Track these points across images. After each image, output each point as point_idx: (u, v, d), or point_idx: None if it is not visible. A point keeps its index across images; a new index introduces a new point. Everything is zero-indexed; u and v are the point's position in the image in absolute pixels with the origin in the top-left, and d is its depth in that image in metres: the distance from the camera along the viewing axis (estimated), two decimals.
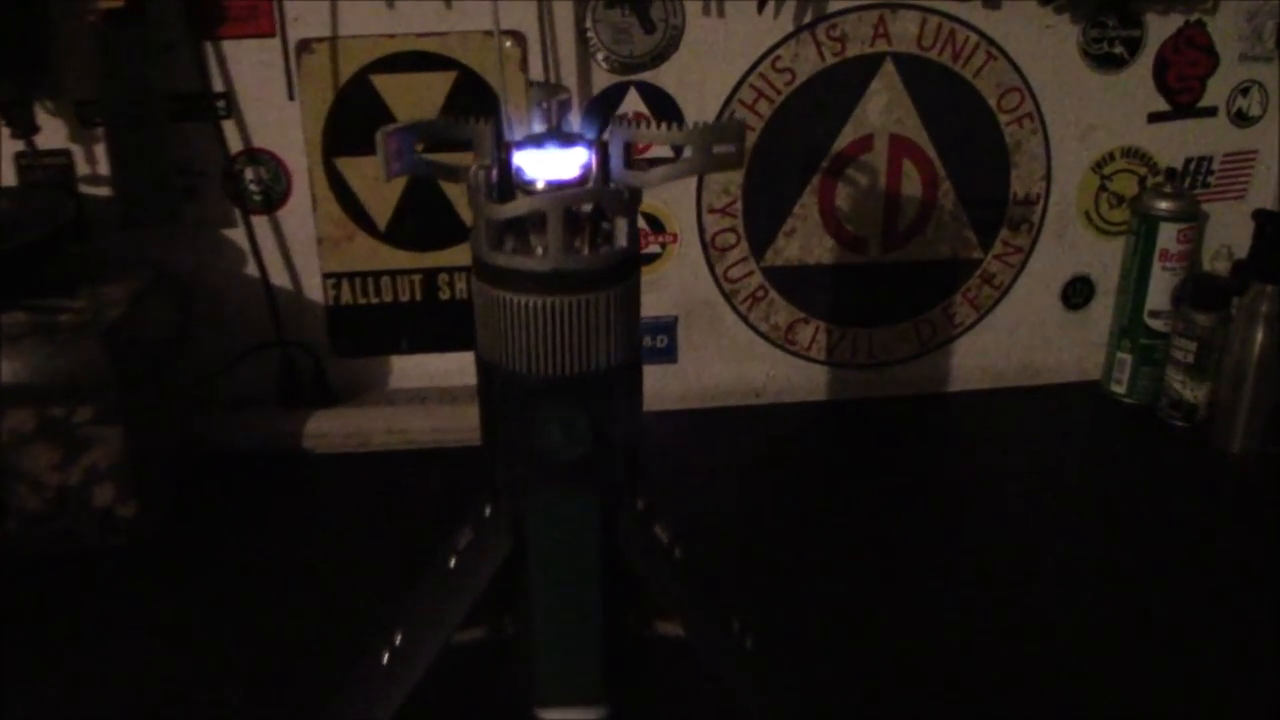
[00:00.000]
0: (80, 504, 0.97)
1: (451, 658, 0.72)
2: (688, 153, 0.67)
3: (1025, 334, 1.29)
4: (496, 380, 0.68)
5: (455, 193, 1.14)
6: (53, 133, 1.08)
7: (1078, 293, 1.29)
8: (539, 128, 0.70)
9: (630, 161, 0.67)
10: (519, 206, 0.65)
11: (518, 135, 0.70)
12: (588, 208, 0.68)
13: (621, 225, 0.67)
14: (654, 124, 0.66)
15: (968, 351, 1.29)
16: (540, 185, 0.67)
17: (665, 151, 1.08)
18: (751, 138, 1.17)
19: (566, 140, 0.68)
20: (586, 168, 0.68)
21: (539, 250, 0.66)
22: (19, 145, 1.07)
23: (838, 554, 1.00)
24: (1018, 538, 1.04)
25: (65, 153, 1.09)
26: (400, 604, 0.73)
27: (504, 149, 0.67)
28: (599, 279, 0.66)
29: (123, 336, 0.96)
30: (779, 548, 1.01)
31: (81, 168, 1.10)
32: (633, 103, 1.14)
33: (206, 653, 0.88)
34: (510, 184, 0.67)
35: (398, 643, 0.71)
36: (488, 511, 0.73)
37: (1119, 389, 1.27)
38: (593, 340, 0.66)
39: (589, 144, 0.68)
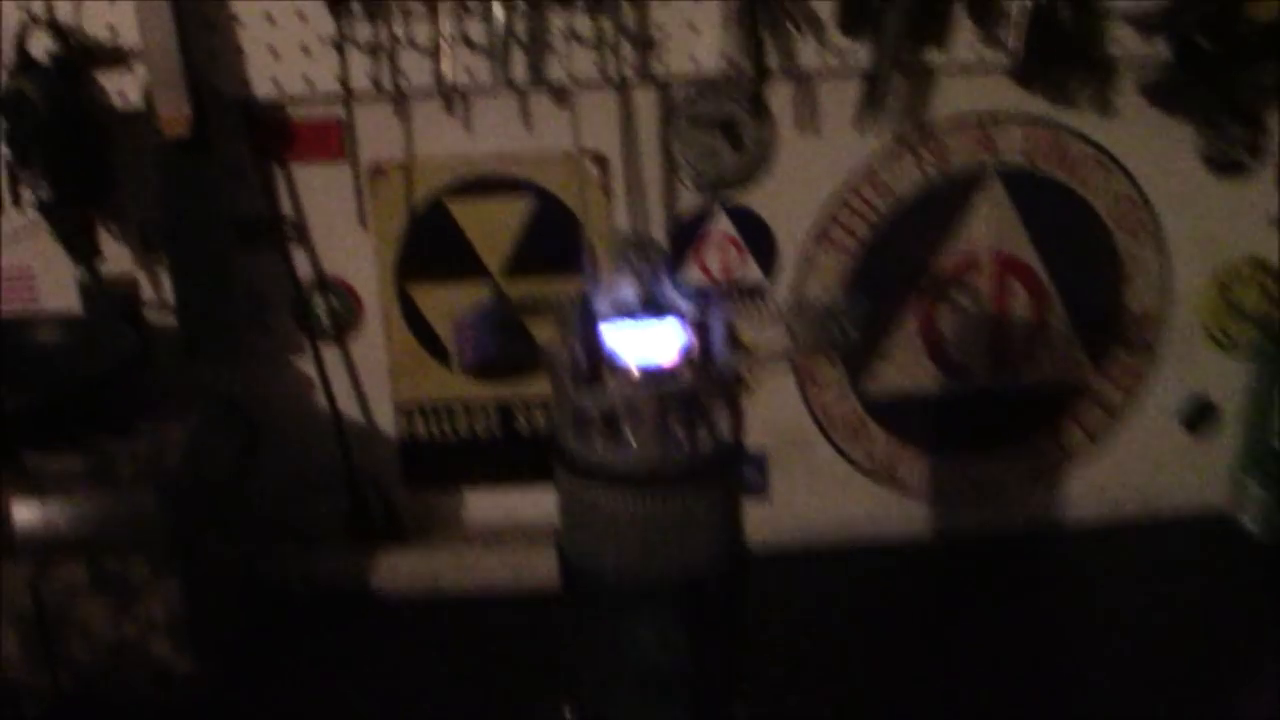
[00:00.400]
0: (135, 658, 0.91)
1: None
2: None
3: (1144, 462, 1.20)
4: (582, 583, 0.61)
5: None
6: (118, 258, 1.04)
7: (1201, 417, 1.19)
8: (629, 292, 0.63)
9: (732, 342, 0.60)
10: (610, 397, 0.58)
11: (603, 291, 0.63)
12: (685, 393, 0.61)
13: (724, 413, 0.60)
14: (760, 302, 0.59)
15: (1081, 483, 1.20)
16: (633, 368, 0.60)
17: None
18: (848, 260, 1.09)
19: (661, 314, 0.61)
20: (685, 349, 0.61)
21: (630, 439, 0.59)
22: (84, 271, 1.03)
23: (946, 710, 0.93)
24: (1140, 692, 0.95)
25: (130, 279, 1.05)
26: None
27: (592, 325, 0.61)
28: (699, 476, 0.59)
29: (181, 484, 0.91)
30: (879, 703, 0.94)
31: (147, 292, 1.06)
32: (720, 225, 1.07)
33: None
34: (600, 365, 0.61)
35: None
36: (567, 716, 0.65)
37: (1251, 526, 1.16)
38: (691, 545, 0.59)
39: (686, 321, 0.61)
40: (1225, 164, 1.11)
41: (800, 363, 1.04)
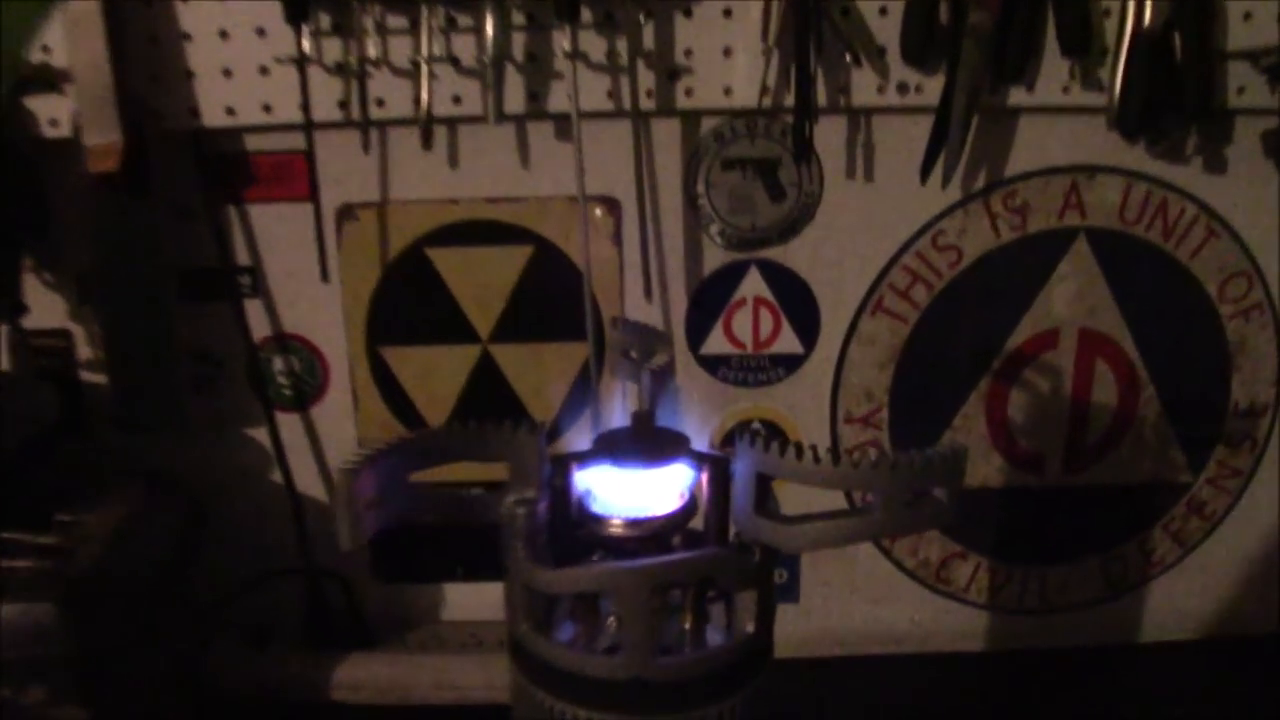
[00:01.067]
0: None
1: None
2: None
3: (1240, 576, 1.02)
4: None
5: (523, 385, 0.92)
6: (51, 309, 0.89)
7: None
8: (621, 412, 0.47)
9: (766, 503, 0.43)
10: (581, 580, 0.42)
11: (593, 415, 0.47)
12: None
13: (748, 601, 0.43)
14: (814, 453, 0.42)
15: (1167, 596, 1.02)
16: (618, 525, 0.44)
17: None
18: (903, 331, 0.93)
19: (661, 454, 0.44)
20: (690, 495, 0.44)
21: (609, 625, 0.43)
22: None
23: None
24: None
25: (63, 333, 0.90)
26: None
27: (562, 472, 0.44)
28: (709, 689, 0.42)
29: (94, 591, 0.75)
30: None
31: (83, 352, 0.91)
32: (754, 286, 0.91)
33: None
34: (570, 527, 0.44)
35: None
36: None
37: None
38: None
39: (697, 461, 0.44)
40: None
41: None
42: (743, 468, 0.42)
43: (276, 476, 0.94)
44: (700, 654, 0.42)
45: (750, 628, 0.43)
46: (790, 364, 0.94)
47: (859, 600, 1.01)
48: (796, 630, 1.00)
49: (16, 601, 0.73)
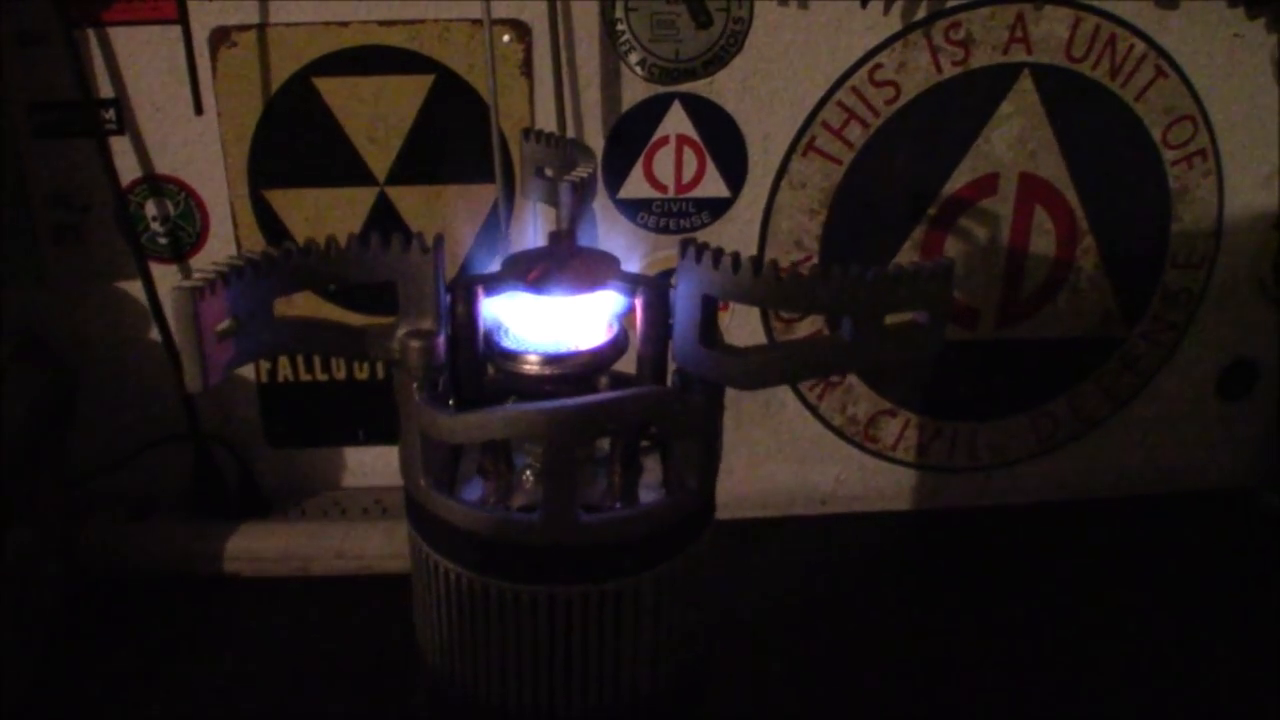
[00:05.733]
0: None
1: None
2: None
3: (1171, 431, 1.01)
4: (449, 708, 0.39)
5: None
6: None
7: (1238, 380, 1.00)
8: (539, 233, 0.40)
9: (710, 333, 0.37)
10: (488, 425, 0.35)
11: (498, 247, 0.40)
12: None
13: (690, 452, 0.37)
14: (774, 267, 0.35)
15: (1099, 452, 1.01)
16: (534, 361, 0.37)
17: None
18: (836, 173, 0.87)
19: (587, 277, 0.37)
20: (619, 331, 0.38)
21: (526, 480, 0.37)
22: None
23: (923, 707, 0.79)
24: (1148, 682, 0.81)
25: None
26: None
27: (465, 297, 0.37)
28: (641, 552, 0.36)
29: None
30: (845, 697, 0.79)
31: None
32: (676, 123, 0.84)
33: None
34: (475, 363, 0.38)
35: None
36: None
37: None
38: (625, 657, 0.36)
39: (630, 286, 0.38)
40: None
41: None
42: (685, 291, 0.36)
43: (155, 335, 0.86)
44: (631, 513, 0.36)
45: (693, 483, 0.37)
46: (716, 208, 0.88)
47: (783, 460, 0.97)
48: (721, 490, 0.96)
49: None
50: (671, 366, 0.37)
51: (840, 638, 0.86)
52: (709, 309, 0.36)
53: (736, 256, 0.35)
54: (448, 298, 0.37)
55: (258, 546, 0.88)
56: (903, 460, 0.99)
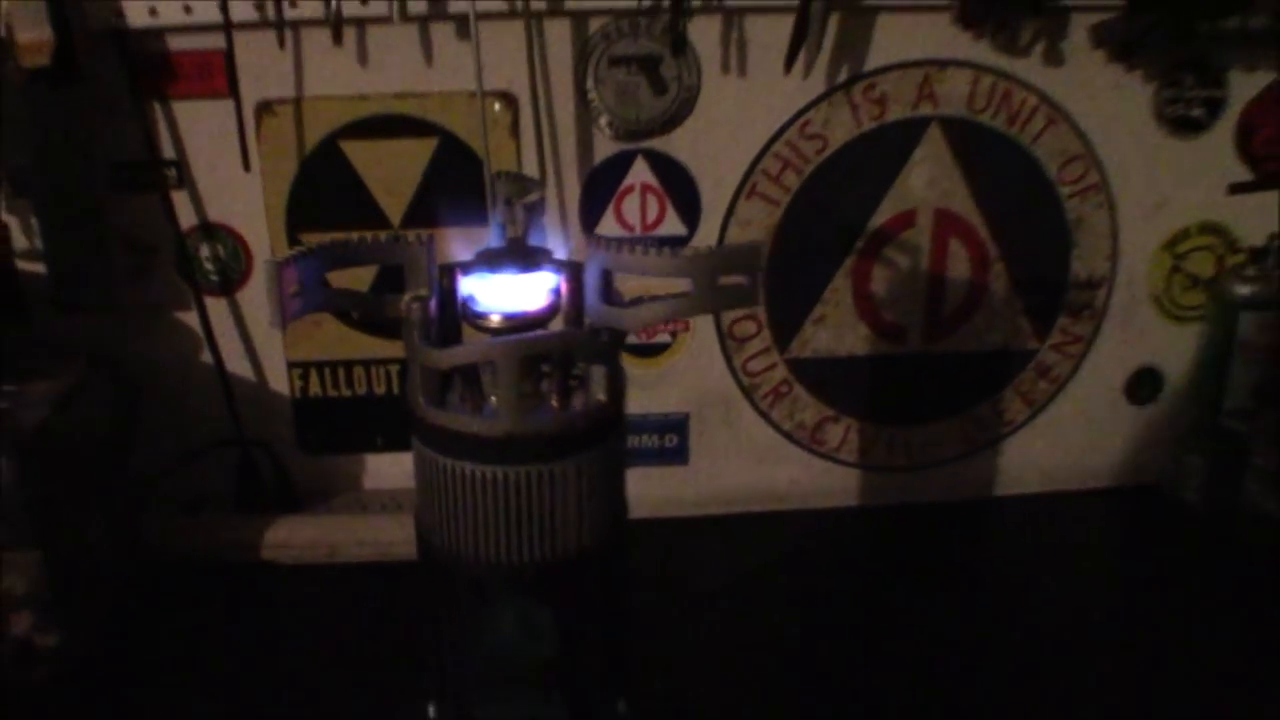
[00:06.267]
0: None
1: None
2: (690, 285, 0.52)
3: (1084, 433, 1.14)
4: (440, 562, 0.54)
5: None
6: None
7: (1144, 387, 1.14)
8: (498, 239, 0.56)
9: (611, 294, 0.53)
10: (463, 354, 0.51)
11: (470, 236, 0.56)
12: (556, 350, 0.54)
13: (599, 375, 0.53)
14: (645, 248, 0.51)
15: (1019, 452, 1.14)
16: (495, 319, 0.53)
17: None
18: (776, 213, 1.03)
19: (529, 262, 0.54)
20: (555, 296, 0.54)
21: (491, 402, 0.52)
22: None
23: (866, 682, 0.88)
24: (1070, 665, 0.90)
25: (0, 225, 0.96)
26: None
27: (448, 275, 0.53)
28: (567, 444, 0.52)
29: (42, 445, 0.84)
30: (799, 674, 0.88)
31: (19, 242, 0.97)
32: (640, 174, 1.00)
33: None
34: (455, 319, 0.54)
35: None
36: (431, 713, 0.58)
37: (1190, 496, 1.11)
38: (560, 520, 0.52)
39: (560, 268, 0.54)
40: (1181, 123, 1.05)
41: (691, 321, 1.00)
42: (593, 266, 0.52)
43: (206, 357, 1.02)
44: (559, 415, 0.52)
45: (602, 396, 0.52)
46: (675, 244, 1.03)
47: (743, 462, 1.11)
48: (687, 491, 1.11)
49: None
50: (587, 320, 0.53)
51: (795, 618, 0.96)
52: (606, 278, 0.52)
53: (620, 243, 0.51)
54: (436, 271, 0.53)
55: (291, 537, 1.02)
56: (847, 461, 1.12)
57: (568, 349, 0.52)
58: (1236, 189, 1.07)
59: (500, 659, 0.54)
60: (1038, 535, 1.11)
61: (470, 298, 0.54)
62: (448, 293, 0.53)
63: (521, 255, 0.54)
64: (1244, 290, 1.05)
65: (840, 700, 0.86)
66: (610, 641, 0.57)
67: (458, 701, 0.57)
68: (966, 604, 0.99)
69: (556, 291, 0.53)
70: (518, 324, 0.53)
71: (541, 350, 0.52)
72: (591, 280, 0.52)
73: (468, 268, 0.53)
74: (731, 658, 0.91)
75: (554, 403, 0.53)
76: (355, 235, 0.54)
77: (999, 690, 0.88)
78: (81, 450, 0.90)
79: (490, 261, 0.53)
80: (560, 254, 0.55)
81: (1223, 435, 1.08)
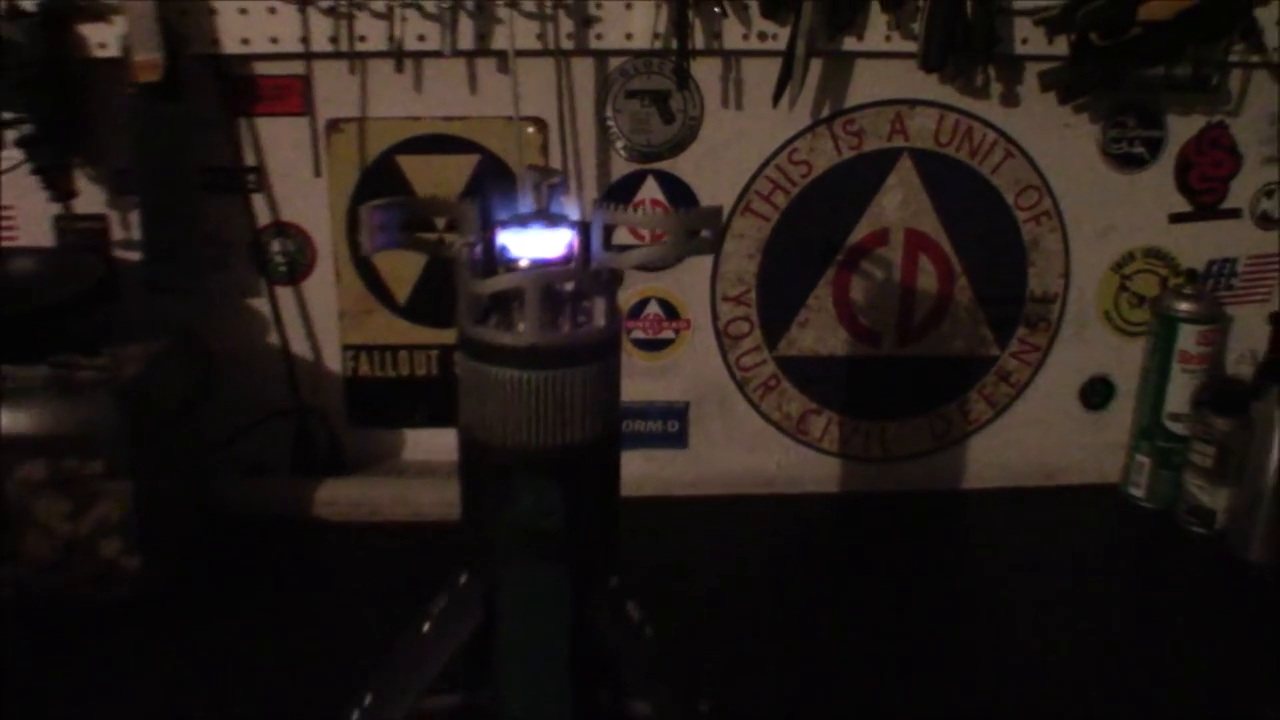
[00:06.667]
0: (87, 555, 0.99)
1: None
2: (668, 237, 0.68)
3: (1042, 433, 1.28)
4: (475, 450, 0.69)
5: None
6: (92, 198, 1.13)
7: (1097, 393, 1.28)
8: (527, 205, 0.72)
9: (609, 244, 0.69)
10: (499, 282, 0.67)
11: (503, 202, 0.72)
12: (569, 289, 0.69)
13: (600, 305, 0.68)
14: (634, 210, 0.67)
15: (983, 449, 1.28)
16: (524, 264, 0.69)
17: None
18: (766, 228, 1.18)
19: (551, 222, 0.69)
20: (570, 249, 0.69)
21: (517, 322, 0.68)
22: (60, 209, 1.11)
23: (837, 649, 0.98)
24: (1024, 641, 1.01)
25: (101, 217, 1.14)
26: (374, 666, 0.73)
27: (489, 228, 0.69)
28: (576, 355, 0.67)
29: (137, 394, 0.99)
30: (776, 639, 1.00)
31: (117, 233, 1.14)
32: (650, 191, 1.15)
33: (195, 708, 0.89)
34: (494, 262, 0.69)
35: (367, 703, 0.72)
36: (463, 580, 0.73)
37: (1138, 492, 1.25)
38: (568, 415, 0.67)
39: (573, 226, 0.70)
40: (1125, 159, 1.20)
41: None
42: (597, 223, 0.68)
43: (273, 338, 1.18)
44: (570, 333, 0.67)
45: (602, 322, 0.68)
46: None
47: (736, 448, 1.25)
48: (686, 473, 1.25)
49: (84, 399, 0.97)
50: (592, 264, 0.69)
51: (781, 591, 1.08)
52: (607, 232, 0.68)
53: (614, 204, 0.67)
54: (480, 224, 0.69)
55: (339, 496, 1.17)
56: (828, 450, 1.27)
57: (576, 282, 0.68)
58: (1176, 218, 1.23)
59: (519, 530, 0.69)
60: (999, 525, 1.22)
61: (504, 248, 0.69)
62: (488, 239, 0.69)
63: (545, 217, 0.70)
64: (1181, 307, 1.19)
65: (810, 654, 0.97)
66: (606, 523, 0.72)
67: (486, 572, 0.72)
68: (933, 584, 1.11)
69: (571, 246, 0.69)
70: (541, 267, 0.69)
71: (557, 279, 0.67)
72: (596, 235, 0.68)
73: (504, 224, 0.69)
74: (723, 623, 1.02)
75: (566, 327, 0.69)
76: (426, 196, 0.70)
77: (956, 646, 1.00)
78: (166, 405, 1.06)
79: (521, 220, 0.69)
80: (574, 217, 0.71)
81: (1166, 436, 1.22)
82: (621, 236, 1.10)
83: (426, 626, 0.73)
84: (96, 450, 0.97)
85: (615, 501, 0.73)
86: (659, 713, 0.73)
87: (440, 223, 1.15)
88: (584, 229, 0.69)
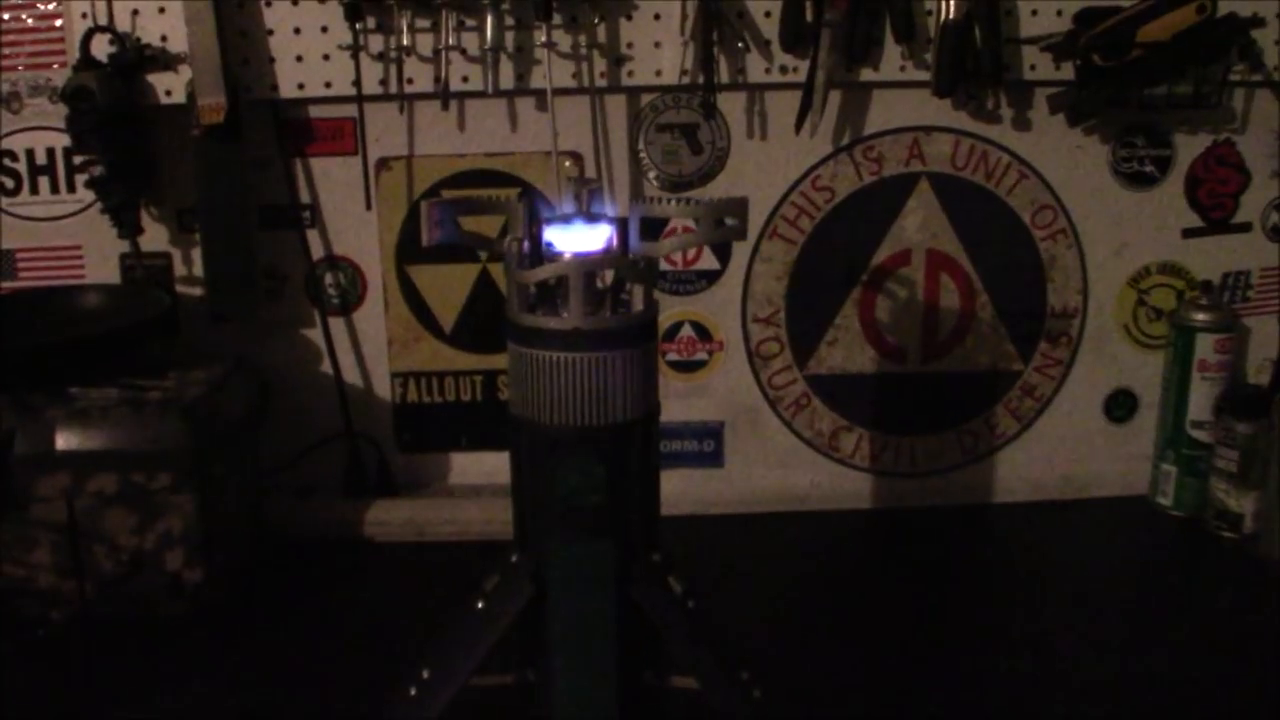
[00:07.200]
0: (152, 568, 1.04)
1: (479, 701, 0.76)
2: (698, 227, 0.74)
3: (1068, 446, 1.31)
4: (523, 432, 0.74)
5: None
6: (156, 236, 1.20)
7: (1120, 405, 1.31)
8: (570, 206, 0.78)
9: (643, 235, 0.75)
10: (545, 271, 0.73)
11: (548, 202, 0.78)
12: (609, 280, 0.75)
13: (638, 292, 0.74)
14: (668, 201, 0.74)
15: (1011, 463, 1.31)
16: (569, 257, 0.75)
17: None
18: (793, 251, 1.24)
19: (592, 219, 0.75)
20: (609, 244, 0.75)
21: (562, 308, 0.73)
22: (125, 247, 1.19)
23: (871, 664, 0.99)
24: (1057, 653, 1.01)
25: (165, 255, 1.21)
26: (430, 643, 0.78)
27: (536, 224, 0.75)
28: (616, 339, 0.72)
29: (201, 413, 1.05)
30: (812, 653, 1.01)
31: (179, 269, 1.21)
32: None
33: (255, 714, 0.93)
34: (540, 256, 0.75)
35: (424, 677, 0.76)
36: (514, 558, 0.78)
37: (1165, 501, 1.27)
38: (610, 395, 0.72)
39: (612, 222, 0.76)
40: (1136, 177, 1.25)
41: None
42: (634, 216, 0.74)
43: (325, 366, 1.24)
44: (614, 317, 0.72)
45: (640, 307, 0.73)
46: (710, 277, 1.25)
47: (770, 466, 1.29)
48: (721, 492, 1.29)
49: (152, 417, 1.03)
50: (631, 254, 0.74)
51: (817, 608, 1.09)
52: (645, 225, 0.74)
53: (653, 200, 0.73)
54: (527, 222, 0.75)
55: (388, 518, 1.22)
56: (860, 467, 1.30)
57: (617, 269, 0.74)
58: (1189, 233, 1.27)
59: (566, 507, 0.74)
60: (1029, 538, 1.24)
61: (550, 244, 0.75)
62: (535, 236, 0.75)
63: (586, 214, 0.76)
64: (1198, 317, 1.23)
65: (845, 664, 0.99)
66: (645, 502, 0.77)
67: (535, 548, 0.76)
68: (964, 599, 1.11)
69: (610, 241, 0.75)
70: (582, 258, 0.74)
71: (599, 266, 0.73)
72: (634, 227, 0.74)
73: (549, 221, 0.75)
74: (755, 637, 1.01)
75: (608, 312, 0.74)
76: (480, 194, 0.76)
77: (988, 660, 0.99)
78: (227, 425, 1.11)
79: (565, 217, 0.75)
80: (612, 214, 0.77)
81: (1189, 444, 1.25)
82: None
83: (480, 604, 0.78)
84: (164, 464, 1.02)
85: (655, 480, 0.78)
86: (703, 683, 0.77)
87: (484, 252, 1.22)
88: (623, 224, 0.75)
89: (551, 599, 0.76)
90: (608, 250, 0.75)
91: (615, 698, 0.76)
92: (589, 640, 0.76)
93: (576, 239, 0.75)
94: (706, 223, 0.73)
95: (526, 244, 0.75)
